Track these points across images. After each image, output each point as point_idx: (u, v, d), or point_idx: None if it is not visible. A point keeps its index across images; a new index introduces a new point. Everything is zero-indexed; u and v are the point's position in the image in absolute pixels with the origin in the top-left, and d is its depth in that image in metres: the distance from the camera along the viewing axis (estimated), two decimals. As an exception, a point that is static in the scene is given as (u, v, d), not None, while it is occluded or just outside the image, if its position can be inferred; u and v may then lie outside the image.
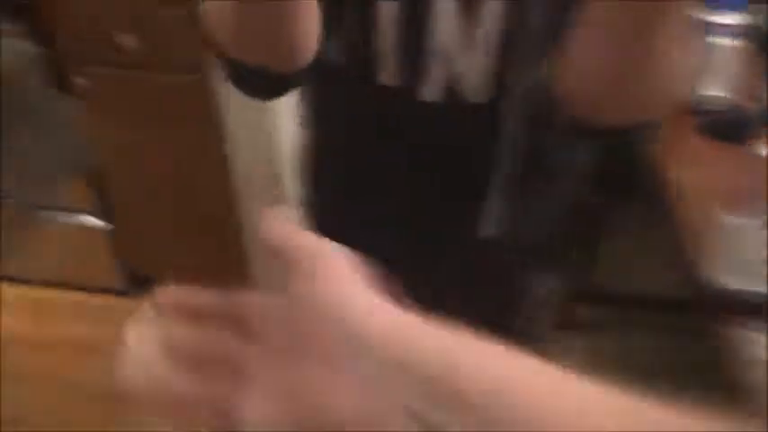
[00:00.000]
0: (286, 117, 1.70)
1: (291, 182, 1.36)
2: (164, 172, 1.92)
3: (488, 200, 0.79)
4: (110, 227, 2.10)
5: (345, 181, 0.89)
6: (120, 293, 2.18)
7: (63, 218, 2.09)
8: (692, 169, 1.27)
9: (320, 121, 0.89)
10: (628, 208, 1.93)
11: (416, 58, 0.73)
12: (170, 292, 0.39)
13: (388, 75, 0.75)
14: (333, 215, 0.90)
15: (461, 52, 0.72)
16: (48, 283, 2.21)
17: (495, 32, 0.70)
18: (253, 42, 0.65)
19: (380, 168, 0.84)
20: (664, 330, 1.91)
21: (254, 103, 1.54)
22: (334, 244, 0.39)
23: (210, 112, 1.79)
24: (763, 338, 1.02)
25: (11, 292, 2.21)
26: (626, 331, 1.97)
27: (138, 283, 2.18)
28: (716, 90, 1.31)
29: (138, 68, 1.81)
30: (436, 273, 0.85)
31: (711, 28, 1.25)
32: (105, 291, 2.18)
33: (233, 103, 1.76)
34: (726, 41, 1.27)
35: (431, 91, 0.75)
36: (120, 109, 1.89)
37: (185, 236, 2.04)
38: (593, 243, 1.93)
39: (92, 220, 2.09)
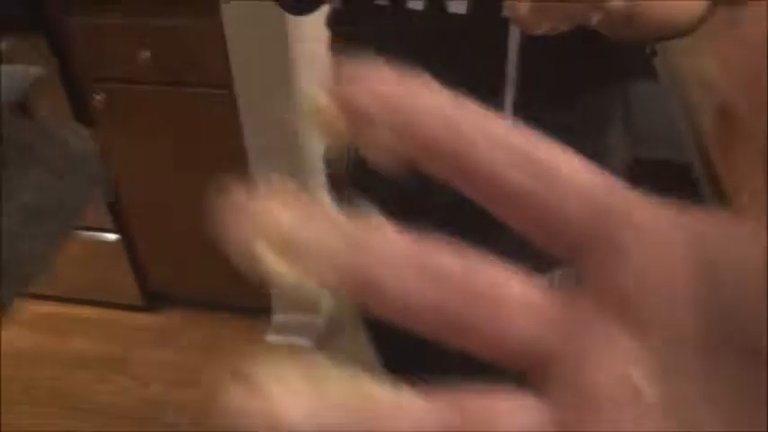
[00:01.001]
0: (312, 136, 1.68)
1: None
2: (182, 187, 1.90)
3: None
4: (127, 242, 2.07)
5: None
6: (138, 309, 2.15)
7: (80, 234, 2.06)
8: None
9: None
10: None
11: None
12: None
13: None
14: None
15: None
16: (63, 299, 2.18)
17: None
18: None
19: None
20: None
21: (277, 117, 1.51)
22: None
23: (233, 127, 1.77)
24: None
25: (27, 308, 2.18)
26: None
27: (155, 299, 2.16)
28: None
29: (155, 83, 1.79)
30: None
31: None
32: (121, 307, 2.16)
33: (255, 117, 1.74)
34: None
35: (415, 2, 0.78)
36: (138, 125, 1.87)
37: (204, 252, 2.00)
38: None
39: (109, 236, 2.06)
